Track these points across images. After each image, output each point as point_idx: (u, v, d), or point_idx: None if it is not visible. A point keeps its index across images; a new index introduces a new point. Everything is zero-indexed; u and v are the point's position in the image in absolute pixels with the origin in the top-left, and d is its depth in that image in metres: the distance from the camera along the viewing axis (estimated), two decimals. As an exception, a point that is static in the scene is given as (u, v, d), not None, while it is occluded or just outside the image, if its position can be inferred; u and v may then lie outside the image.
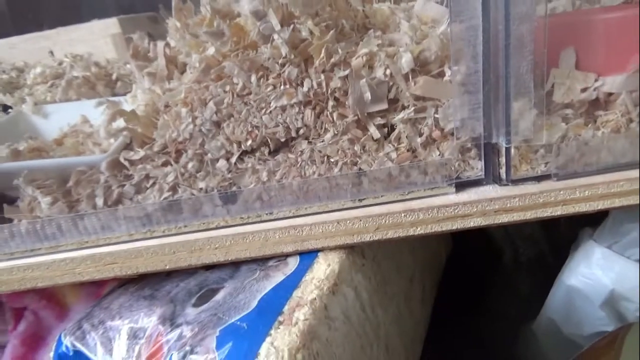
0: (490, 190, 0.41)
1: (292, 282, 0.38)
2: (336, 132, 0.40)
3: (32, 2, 0.82)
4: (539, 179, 0.40)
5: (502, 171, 0.41)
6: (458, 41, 0.37)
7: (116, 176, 0.40)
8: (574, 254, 0.56)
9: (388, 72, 0.39)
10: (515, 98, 0.38)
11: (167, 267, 0.41)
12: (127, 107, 0.45)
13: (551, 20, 0.37)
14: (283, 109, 0.39)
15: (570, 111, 0.40)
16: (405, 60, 0.38)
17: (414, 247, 0.57)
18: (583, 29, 0.41)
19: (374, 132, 0.39)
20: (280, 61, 0.38)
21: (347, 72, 0.38)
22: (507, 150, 0.40)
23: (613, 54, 0.40)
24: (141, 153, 0.40)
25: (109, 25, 0.71)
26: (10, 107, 0.56)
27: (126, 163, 0.40)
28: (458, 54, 0.38)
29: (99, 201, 0.41)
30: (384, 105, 0.39)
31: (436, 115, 0.40)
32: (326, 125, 0.40)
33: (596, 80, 0.40)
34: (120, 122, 0.41)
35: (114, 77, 0.61)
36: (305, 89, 0.37)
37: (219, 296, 0.38)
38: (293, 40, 0.37)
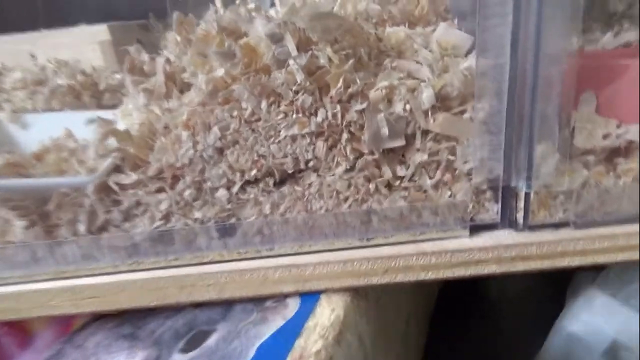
0: (506, 236, 0.38)
1: (294, 329, 0.35)
2: (349, 167, 0.37)
3: (15, 2, 0.78)
4: (557, 226, 0.38)
5: (520, 216, 0.38)
6: (483, 78, 0.36)
7: (103, 200, 0.37)
8: (575, 299, 0.54)
9: (408, 107, 0.36)
10: (539, 141, 0.36)
11: (153, 303, 0.37)
12: (118, 123, 0.41)
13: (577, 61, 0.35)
14: (293, 138, 0.36)
15: (592, 157, 0.38)
16: (427, 96, 0.36)
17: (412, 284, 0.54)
18: (604, 72, 0.40)
19: (386, 171, 0.37)
20: (294, 88, 0.35)
21: (364, 105, 0.36)
22: (527, 194, 0.38)
23: (634, 100, 0.39)
24: (133, 177, 0.36)
25: (97, 32, 0.67)
26: (-15, 115, 0.51)
27: (115, 187, 0.36)
28: (482, 91, 0.36)
29: (82, 227, 0.37)
30: (401, 142, 0.37)
31: (450, 157, 0.38)
32: (338, 159, 0.37)
33: (618, 127, 0.39)
34: (111, 141, 0.37)
35: (101, 87, 0.57)
36: (319, 119, 0.35)
37: (211, 341, 0.35)
38: (309, 67, 0.34)
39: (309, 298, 0.38)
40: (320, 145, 0.36)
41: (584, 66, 0.41)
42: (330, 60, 0.34)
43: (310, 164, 0.37)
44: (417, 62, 0.39)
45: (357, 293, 0.39)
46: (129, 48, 0.44)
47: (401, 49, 0.41)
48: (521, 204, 0.38)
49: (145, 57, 0.44)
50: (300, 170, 0.38)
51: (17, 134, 0.49)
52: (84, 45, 0.68)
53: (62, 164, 0.40)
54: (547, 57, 0.34)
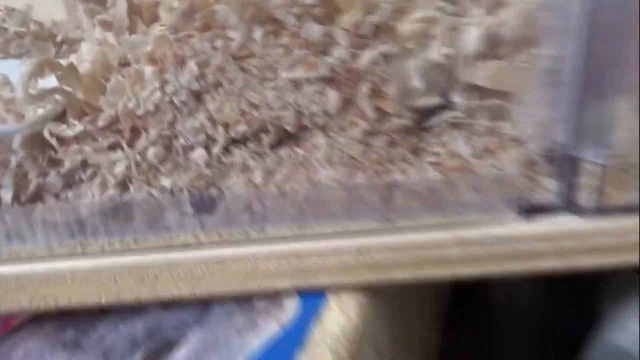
0: (568, 222, 0.30)
1: (292, 339, 0.25)
2: (368, 129, 0.28)
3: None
4: (636, 209, 0.30)
5: (586, 196, 0.30)
6: (548, 11, 0.27)
7: (37, 159, 0.27)
8: (618, 307, 0.46)
9: (445, 51, 0.27)
10: (620, 94, 0.27)
11: (103, 301, 0.28)
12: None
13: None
14: (297, 84, 0.26)
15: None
16: (473, 37, 0.27)
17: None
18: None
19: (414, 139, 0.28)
20: (295, 10, 0.26)
21: (387, 47, 0.27)
22: (598, 167, 0.29)
23: None
24: (78, 127, 0.27)
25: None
26: None
27: (53, 141, 0.27)
28: (546, 29, 0.27)
29: (7, 195, 0.27)
30: (438, 99, 0.28)
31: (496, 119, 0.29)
32: (354, 118, 0.28)
33: None
34: (51, 81, 0.27)
35: (58, 38, 0.47)
36: (334, 59, 0.26)
37: (180, 354, 0.25)
38: None
39: (312, 298, 0.29)
40: (333, 97, 0.27)
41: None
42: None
43: (318, 120, 0.28)
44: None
45: (375, 291, 0.30)
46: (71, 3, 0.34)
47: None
48: (589, 180, 0.29)
49: (105, -18, 0.34)
50: (302, 129, 0.29)
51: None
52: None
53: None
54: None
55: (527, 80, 0.28)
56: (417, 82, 0.28)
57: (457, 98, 0.29)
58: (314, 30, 0.26)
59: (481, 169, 0.30)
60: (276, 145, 0.29)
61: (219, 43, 0.26)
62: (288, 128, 0.28)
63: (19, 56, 0.42)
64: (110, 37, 0.28)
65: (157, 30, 0.26)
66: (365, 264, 0.28)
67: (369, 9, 0.27)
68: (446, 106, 0.29)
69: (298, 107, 0.27)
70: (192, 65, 0.26)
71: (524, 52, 0.29)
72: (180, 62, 0.26)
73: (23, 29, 0.46)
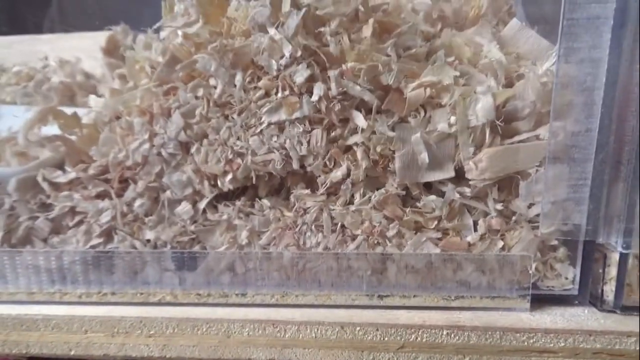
0: (586, 317, 0.26)
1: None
2: (364, 195, 0.26)
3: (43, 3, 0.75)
4: (667, 311, 0.26)
5: (608, 289, 0.26)
6: (567, 86, 0.25)
7: (28, 203, 0.27)
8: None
9: (453, 120, 0.25)
10: (647, 179, 0.24)
11: (72, 352, 0.27)
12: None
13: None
14: (280, 127, 0.26)
15: None
16: (483, 107, 0.25)
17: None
18: None
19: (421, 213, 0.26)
20: (281, 61, 0.25)
21: (394, 119, 0.25)
22: (622, 258, 0.25)
23: None
24: (70, 174, 0.27)
25: (118, 38, 0.61)
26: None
27: (45, 185, 0.27)
28: (564, 104, 0.25)
29: (-4, 235, 0.27)
30: (449, 173, 0.26)
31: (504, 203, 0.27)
32: (340, 160, 0.26)
33: None
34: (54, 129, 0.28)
35: (100, 91, 0.50)
36: (314, 97, 0.24)
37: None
38: (306, 24, 0.25)
39: (287, 373, 0.26)
40: (318, 135, 0.25)
41: None
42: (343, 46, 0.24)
43: (308, 161, 0.26)
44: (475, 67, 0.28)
45: (358, 375, 0.27)
46: (114, 27, 0.36)
47: (461, 50, 0.31)
48: (612, 271, 0.26)
49: (130, 40, 0.36)
50: (294, 180, 0.27)
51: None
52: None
53: (2, 155, 0.32)
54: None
55: (538, 158, 0.26)
56: (423, 155, 0.26)
57: (464, 173, 0.27)
58: (299, 74, 0.25)
59: (487, 249, 0.27)
60: (263, 204, 0.28)
61: (201, 92, 0.26)
62: (276, 174, 0.27)
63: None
64: (106, 92, 0.29)
65: (144, 82, 0.26)
66: (348, 342, 0.26)
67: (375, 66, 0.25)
68: (452, 182, 0.26)
69: (284, 150, 0.26)
70: (177, 116, 0.26)
71: (538, 127, 0.26)
72: (167, 114, 0.26)
73: (69, 80, 0.49)
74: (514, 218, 0.27)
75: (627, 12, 0.23)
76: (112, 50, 0.36)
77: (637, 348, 0.24)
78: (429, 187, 0.27)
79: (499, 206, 0.26)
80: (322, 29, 0.24)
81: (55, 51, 0.64)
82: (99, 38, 0.66)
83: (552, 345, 0.25)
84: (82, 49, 0.64)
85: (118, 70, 0.34)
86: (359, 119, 0.25)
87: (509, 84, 0.28)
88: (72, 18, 0.73)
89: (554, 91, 0.25)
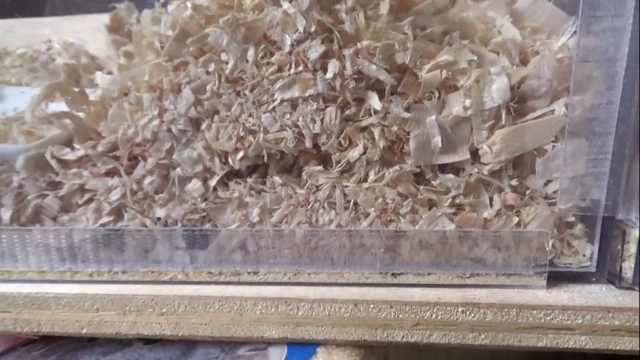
0: (604, 294, 0.26)
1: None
2: (378, 176, 0.26)
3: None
4: (688, 288, 0.25)
5: (627, 266, 0.26)
6: (587, 59, 0.24)
7: (37, 181, 0.27)
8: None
9: (468, 103, 0.25)
10: (669, 152, 0.23)
11: (84, 331, 0.27)
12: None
13: None
14: (293, 105, 0.25)
15: None
16: (498, 88, 0.25)
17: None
18: None
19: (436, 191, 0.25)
20: (294, 36, 0.24)
21: (406, 101, 0.25)
22: (642, 233, 0.25)
23: None
24: (79, 152, 0.27)
25: (123, 20, 0.60)
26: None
27: (54, 163, 0.27)
28: (584, 78, 0.24)
29: (6, 214, 0.27)
30: (464, 156, 0.25)
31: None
32: (356, 139, 0.26)
33: None
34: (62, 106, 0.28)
35: (105, 71, 0.49)
36: (329, 74, 0.24)
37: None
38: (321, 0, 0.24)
39: (301, 351, 0.26)
40: (332, 113, 0.25)
41: None
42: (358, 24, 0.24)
43: (321, 140, 0.26)
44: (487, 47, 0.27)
45: (371, 351, 0.27)
46: (118, 5, 0.35)
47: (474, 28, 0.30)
48: (632, 247, 0.25)
49: (134, 17, 0.35)
50: (306, 158, 0.27)
51: (-9, 104, 0.41)
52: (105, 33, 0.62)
53: (9, 134, 0.31)
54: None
55: (553, 134, 0.25)
56: (437, 139, 0.25)
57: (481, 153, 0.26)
58: (313, 50, 0.24)
59: (504, 225, 0.27)
60: (275, 182, 0.27)
61: (212, 67, 0.25)
62: (289, 152, 0.26)
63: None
64: (114, 67, 0.29)
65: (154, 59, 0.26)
66: (361, 320, 0.25)
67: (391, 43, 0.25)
68: (469, 162, 0.26)
69: (297, 129, 0.26)
70: (187, 91, 0.25)
71: (555, 103, 0.26)
72: (177, 89, 0.25)
73: (74, 61, 0.49)
74: (528, 193, 0.26)
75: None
76: (116, 28, 0.35)
77: (657, 324, 0.24)
78: (443, 166, 0.26)
79: (514, 182, 0.26)
80: (337, 6, 0.24)
81: (59, 34, 0.63)
82: (102, 20, 0.65)
83: (569, 322, 0.25)
84: (85, 31, 0.64)
85: (124, 48, 0.33)
86: (374, 101, 0.24)
87: (524, 61, 0.27)
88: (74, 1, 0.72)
89: (574, 64, 0.24)
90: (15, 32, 0.66)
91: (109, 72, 0.48)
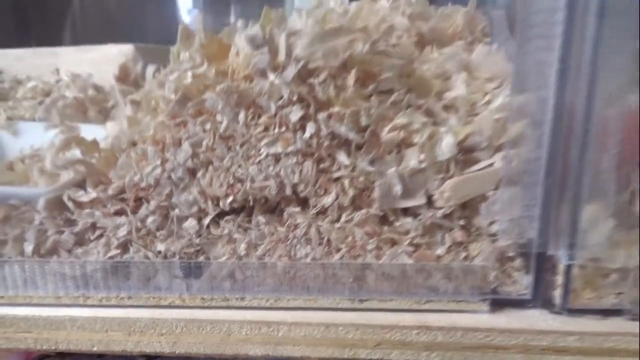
0: (538, 318, 0.30)
1: (250, 406, 0.27)
2: (348, 217, 0.30)
3: (55, 17, 0.79)
4: (605, 313, 0.30)
5: (557, 294, 0.30)
6: (518, 117, 0.29)
7: (55, 219, 0.31)
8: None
9: (422, 157, 0.29)
10: (588, 200, 0.28)
11: (95, 348, 0.31)
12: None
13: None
14: (276, 158, 0.30)
15: (659, 229, 0.30)
16: (446, 145, 0.29)
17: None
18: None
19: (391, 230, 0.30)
20: (279, 103, 0.29)
21: (370, 156, 0.29)
22: (568, 268, 0.29)
23: None
24: (92, 194, 0.31)
25: (124, 51, 0.65)
26: (-20, 119, 0.49)
27: (70, 204, 0.31)
28: (518, 134, 0.29)
29: (28, 247, 0.32)
30: (421, 201, 0.30)
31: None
32: (328, 187, 0.31)
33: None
34: (77, 152, 0.32)
35: (109, 104, 0.54)
36: (307, 134, 0.28)
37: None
38: (300, 74, 0.29)
39: (281, 367, 0.30)
40: (309, 167, 0.30)
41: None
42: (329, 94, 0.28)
43: (299, 188, 0.30)
44: (444, 105, 0.32)
45: (342, 368, 0.31)
46: (126, 58, 0.40)
47: (429, 86, 0.34)
48: (560, 278, 0.30)
49: (139, 67, 0.40)
50: (287, 201, 0.32)
51: (6, 140, 0.46)
52: (108, 63, 0.66)
53: (30, 175, 0.36)
54: (605, 94, 0.27)
55: (494, 184, 0.30)
56: (397, 188, 0.30)
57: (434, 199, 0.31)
58: (293, 114, 0.29)
59: (453, 260, 0.31)
60: (259, 221, 0.32)
61: (208, 126, 0.30)
62: (271, 198, 0.31)
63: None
64: (124, 121, 0.33)
65: (159, 117, 0.31)
66: (332, 340, 0.30)
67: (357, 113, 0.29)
68: (424, 205, 0.31)
69: (279, 178, 0.30)
70: (186, 145, 0.30)
71: (495, 156, 0.30)
72: (177, 143, 0.30)
73: (81, 95, 0.53)
74: (474, 231, 0.31)
75: (567, 59, 0.27)
76: (124, 78, 0.39)
77: (577, 345, 0.29)
78: (404, 210, 0.31)
79: (463, 222, 0.31)
80: (312, 81, 0.28)
81: (66, 64, 0.68)
82: (104, 50, 0.70)
83: (505, 342, 0.29)
84: (89, 61, 0.68)
85: (130, 96, 0.38)
86: (343, 157, 0.29)
87: (475, 111, 0.32)
88: (80, 32, 0.77)
89: (509, 123, 0.29)
90: (24, 62, 0.71)
91: (113, 107, 0.52)
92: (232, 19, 0.79)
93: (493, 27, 0.44)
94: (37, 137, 0.46)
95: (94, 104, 0.55)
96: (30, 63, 0.70)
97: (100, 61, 0.68)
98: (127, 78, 0.40)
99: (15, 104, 0.54)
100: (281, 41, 0.28)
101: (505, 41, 0.40)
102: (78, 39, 0.77)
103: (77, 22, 0.82)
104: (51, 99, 0.50)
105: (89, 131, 0.38)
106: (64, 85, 0.57)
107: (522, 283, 0.31)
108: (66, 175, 0.33)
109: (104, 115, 0.54)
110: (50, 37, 0.76)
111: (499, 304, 0.31)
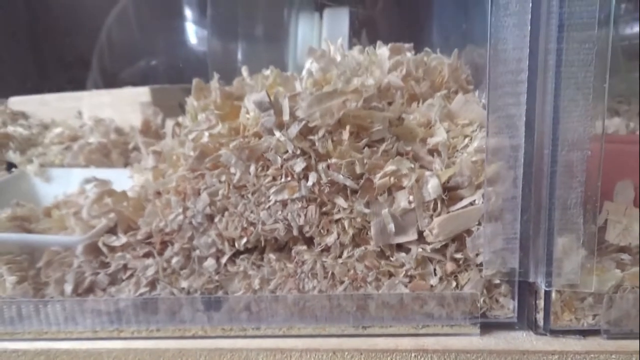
0: (523, 339, 0.34)
1: None
2: (349, 254, 0.34)
3: (77, 63, 0.84)
4: (584, 333, 0.33)
5: (540, 317, 0.34)
6: (494, 160, 0.32)
7: (91, 262, 0.36)
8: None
9: (411, 199, 0.33)
10: (559, 233, 0.32)
11: (129, 377, 0.35)
12: (131, 181, 0.42)
13: (606, 146, 0.31)
14: (284, 204, 0.34)
15: (627, 256, 0.33)
16: (432, 187, 0.33)
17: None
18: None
19: (388, 264, 0.34)
20: (284, 156, 0.33)
21: (365, 199, 0.33)
22: (547, 293, 0.33)
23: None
24: (123, 239, 0.35)
25: (140, 94, 0.70)
26: (15, 166, 0.54)
27: (104, 249, 0.35)
28: (494, 175, 0.32)
29: (68, 288, 0.36)
30: (413, 237, 0.34)
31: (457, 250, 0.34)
32: (330, 227, 0.34)
33: (660, 223, 0.34)
34: (109, 201, 0.37)
35: (130, 146, 0.58)
36: (310, 183, 0.33)
37: None
38: (302, 131, 0.33)
39: (294, 389, 0.34)
40: (312, 210, 0.34)
41: (619, 150, 0.37)
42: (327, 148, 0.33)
43: (305, 229, 0.34)
44: (429, 150, 0.36)
45: (348, 389, 0.35)
46: (147, 111, 0.44)
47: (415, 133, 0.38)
48: (541, 302, 0.33)
49: (159, 119, 0.44)
50: (294, 241, 0.36)
51: (40, 186, 0.51)
52: (126, 105, 0.71)
53: (66, 221, 0.40)
54: (566, 142, 0.30)
55: (477, 217, 0.34)
56: (391, 226, 0.34)
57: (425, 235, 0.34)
58: (297, 165, 0.33)
59: (445, 288, 0.35)
60: (270, 258, 0.36)
61: (223, 178, 0.34)
62: (280, 239, 0.35)
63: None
64: (148, 174, 0.37)
65: (180, 171, 0.35)
66: (339, 364, 0.34)
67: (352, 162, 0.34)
68: (416, 241, 0.34)
69: (286, 222, 0.34)
70: (204, 195, 0.34)
71: (476, 194, 0.34)
72: (197, 193, 0.34)
73: (104, 140, 0.58)
74: (463, 262, 0.34)
75: (533, 112, 0.31)
76: (146, 130, 0.44)
77: (559, 363, 0.32)
78: (399, 245, 0.35)
79: (453, 255, 0.34)
80: (312, 137, 0.33)
81: (87, 107, 0.73)
82: (122, 93, 0.75)
83: (494, 362, 0.33)
84: (108, 104, 0.74)
85: (151, 148, 0.42)
86: (341, 202, 0.33)
87: (455, 155, 0.36)
88: (98, 76, 0.83)
89: (485, 164, 0.33)
90: (50, 106, 0.76)
91: (134, 149, 0.57)
92: (239, 55, 0.84)
93: (477, 65, 0.48)
94: (67, 182, 0.50)
95: (116, 147, 0.59)
96: (54, 107, 0.75)
97: (119, 103, 0.73)
98: (148, 130, 0.45)
99: (45, 150, 0.58)
100: (285, 104, 0.32)
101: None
102: (96, 83, 0.82)
103: (93, 67, 0.87)
104: (78, 146, 0.54)
105: (113, 175, 0.43)
106: (88, 129, 0.62)
107: (508, 307, 0.34)
108: (100, 224, 0.37)
109: (125, 157, 0.59)
110: (70, 81, 0.82)
111: (488, 327, 0.34)
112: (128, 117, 0.71)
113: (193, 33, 0.92)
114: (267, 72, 0.44)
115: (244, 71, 0.49)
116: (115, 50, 0.84)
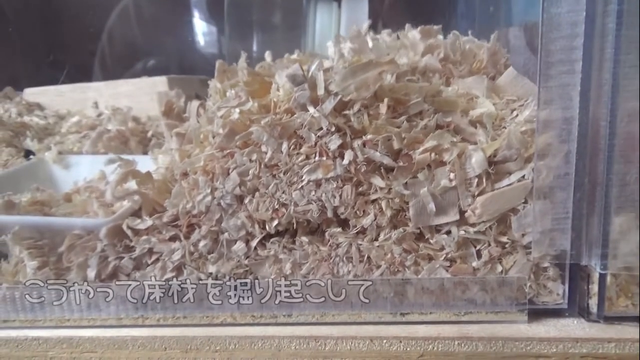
0: (575, 326, 0.31)
1: (304, 416, 0.29)
2: (386, 236, 0.32)
3: (90, 54, 0.83)
4: (642, 320, 0.31)
5: (593, 303, 0.31)
6: (546, 133, 0.30)
7: (115, 246, 0.34)
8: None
9: (453, 176, 0.31)
10: (616, 212, 0.29)
11: (155, 366, 0.33)
12: (152, 166, 0.40)
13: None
14: (317, 184, 0.32)
15: (690, 237, 0.31)
16: (477, 161, 0.31)
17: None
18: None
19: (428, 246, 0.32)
20: (318, 134, 0.31)
21: (404, 178, 0.31)
22: (602, 277, 0.31)
23: None
24: (148, 222, 0.34)
25: (157, 83, 0.69)
26: (33, 154, 0.52)
27: (129, 232, 0.34)
28: (545, 148, 0.30)
29: (91, 273, 0.34)
30: (454, 217, 0.32)
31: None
32: (368, 208, 0.33)
33: None
34: (132, 184, 0.35)
35: (149, 134, 0.57)
36: (345, 161, 0.31)
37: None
38: (336, 107, 0.31)
39: (329, 379, 0.32)
40: (348, 190, 0.32)
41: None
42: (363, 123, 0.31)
43: (340, 211, 0.33)
44: (471, 121, 0.34)
45: (387, 379, 0.33)
46: (169, 92, 0.43)
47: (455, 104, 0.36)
48: (595, 287, 0.31)
49: (182, 102, 0.43)
50: (328, 223, 0.34)
51: (59, 173, 0.49)
52: (143, 95, 0.70)
53: (88, 206, 0.39)
54: (626, 113, 0.28)
55: (523, 196, 0.31)
56: (431, 206, 0.32)
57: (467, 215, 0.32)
58: (332, 143, 0.31)
59: (489, 272, 0.33)
60: (303, 241, 0.34)
61: (254, 156, 0.32)
62: (314, 221, 0.33)
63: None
64: (176, 154, 0.36)
65: (207, 150, 0.33)
66: (377, 353, 0.32)
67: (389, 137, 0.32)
68: (457, 223, 0.32)
69: (320, 202, 0.32)
70: (234, 175, 0.32)
71: (525, 168, 0.32)
72: (226, 173, 0.32)
73: (123, 128, 0.57)
74: (508, 244, 0.32)
75: (589, 81, 0.28)
76: (168, 112, 0.42)
77: (617, 352, 0.30)
78: (439, 226, 0.33)
79: (497, 236, 0.32)
80: (347, 112, 0.31)
81: (104, 97, 0.72)
82: (139, 83, 0.74)
83: (545, 351, 0.30)
84: (125, 94, 0.72)
85: (175, 130, 0.40)
86: (379, 181, 0.31)
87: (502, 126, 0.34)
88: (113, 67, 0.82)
89: (536, 136, 0.30)
90: (65, 97, 0.75)
91: (152, 136, 0.55)
92: (254, 45, 0.82)
93: (510, 46, 0.46)
94: (85, 169, 0.49)
95: (134, 135, 0.58)
96: (70, 98, 0.74)
97: (136, 92, 0.72)
98: (171, 112, 0.43)
99: (62, 139, 0.57)
100: (319, 77, 0.31)
101: (527, 60, 0.42)
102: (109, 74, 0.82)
103: (109, 58, 0.86)
104: (97, 133, 0.53)
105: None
106: (106, 118, 0.61)
107: (557, 293, 0.32)
108: (124, 206, 0.36)
109: (144, 145, 0.58)
110: (84, 72, 0.81)
111: (536, 313, 0.32)
112: (145, 106, 0.70)
113: (208, 26, 0.91)
114: (294, 55, 0.43)
115: (267, 56, 0.47)
116: (126, 43, 0.83)
